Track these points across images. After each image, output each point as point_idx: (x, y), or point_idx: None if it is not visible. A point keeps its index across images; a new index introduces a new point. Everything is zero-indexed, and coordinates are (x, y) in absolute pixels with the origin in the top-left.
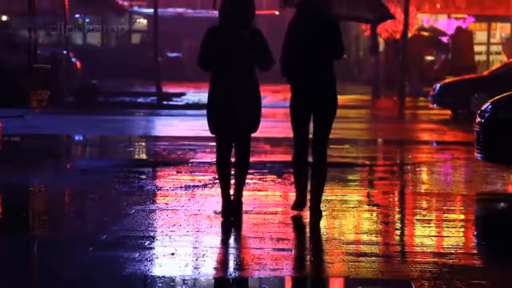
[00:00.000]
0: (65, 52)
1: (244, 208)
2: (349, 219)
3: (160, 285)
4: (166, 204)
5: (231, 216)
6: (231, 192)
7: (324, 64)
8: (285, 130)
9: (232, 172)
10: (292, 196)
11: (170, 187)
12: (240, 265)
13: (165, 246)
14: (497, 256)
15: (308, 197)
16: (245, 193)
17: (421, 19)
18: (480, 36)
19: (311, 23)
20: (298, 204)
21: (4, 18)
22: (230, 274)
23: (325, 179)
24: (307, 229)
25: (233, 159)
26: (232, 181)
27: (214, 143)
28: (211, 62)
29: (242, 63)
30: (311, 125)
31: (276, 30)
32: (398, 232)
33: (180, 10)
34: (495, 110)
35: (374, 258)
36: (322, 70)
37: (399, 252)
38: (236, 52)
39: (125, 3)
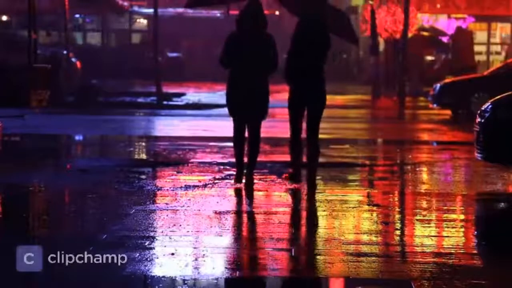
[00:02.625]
0: (65, 52)
1: (244, 208)
2: (349, 219)
3: (160, 285)
4: (166, 204)
5: (242, 181)
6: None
7: (316, 64)
8: (285, 130)
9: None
10: (292, 196)
11: (170, 187)
12: (240, 265)
13: (165, 246)
14: (497, 256)
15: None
16: (244, 193)
17: (421, 19)
18: (480, 36)
19: (311, 32)
20: (294, 176)
21: (4, 18)
22: (230, 274)
23: (317, 159)
24: (307, 229)
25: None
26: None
27: (214, 144)
28: (231, 62)
29: (255, 63)
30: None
31: (275, 29)
32: (398, 232)
33: (180, 10)
34: (495, 110)
35: (374, 258)
36: (315, 71)
37: (399, 252)
38: (251, 54)
39: (125, 3)
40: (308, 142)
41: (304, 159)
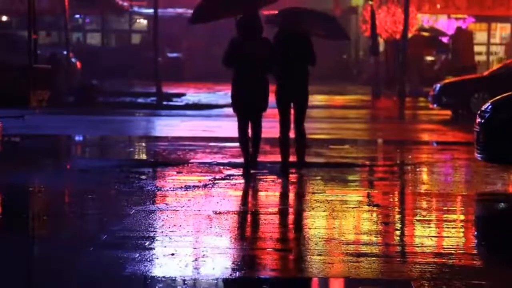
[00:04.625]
0: (65, 52)
1: (244, 208)
2: (349, 219)
3: (160, 285)
4: (166, 204)
5: (250, 169)
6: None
7: (298, 68)
8: None
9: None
10: (292, 196)
11: (170, 188)
12: (240, 265)
13: (165, 247)
14: (497, 256)
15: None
16: (245, 193)
17: (421, 19)
18: (480, 36)
19: (290, 39)
20: (284, 168)
21: (4, 18)
22: (230, 275)
23: (305, 147)
24: (307, 229)
25: None
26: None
27: (213, 144)
28: (233, 63)
29: (255, 64)
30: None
31: (275, 29)
32: (398, 232)
33: (180, 10)
34: (495, 110)
35: (374, 258)
36: (299, 72)
37: (399, 252)
38: (251, 56)
39: (125, 3)
40: (296, 130)
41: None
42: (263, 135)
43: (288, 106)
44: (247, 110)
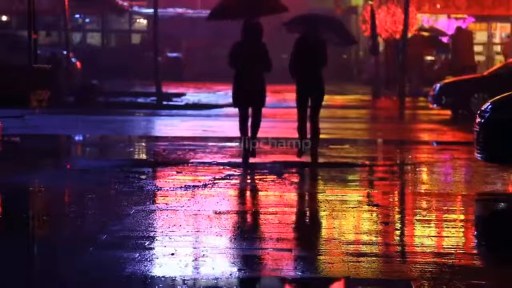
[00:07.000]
0: (65, 52)
1: (244, 208)
2: (349, 219)
3: (160, 285)
4: (166, 204)
5: (249, 150)
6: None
7: (315, 68)
8: (285, 130)
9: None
10: (292, 196)
11: (170, 187)
12: (240, 265)
13: (165, 246)
14: (497, 256)
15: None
16: (245, 193)
17: (421, 19)
18: (480, 36)
19: (309, 44)
20: (301, 152)
21: (4, 18)
22: (230, 274)
23: (319, 135)
24: (307, 229)
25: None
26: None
27: (213, 144)
28: (236, 63)
29: (254, 65)
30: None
31: (276, 29)
32: (398, 232)
33: (180, 10)
34: (495, 110)
35: (374, 258)
36: (315, 72)
37: (399, 252)
38: (251, 58)
39: (125, 3)
40: (311, 123)
41: (308, 134)
42: (264, 134)
43: (306, 101)
44: (247, 104)
